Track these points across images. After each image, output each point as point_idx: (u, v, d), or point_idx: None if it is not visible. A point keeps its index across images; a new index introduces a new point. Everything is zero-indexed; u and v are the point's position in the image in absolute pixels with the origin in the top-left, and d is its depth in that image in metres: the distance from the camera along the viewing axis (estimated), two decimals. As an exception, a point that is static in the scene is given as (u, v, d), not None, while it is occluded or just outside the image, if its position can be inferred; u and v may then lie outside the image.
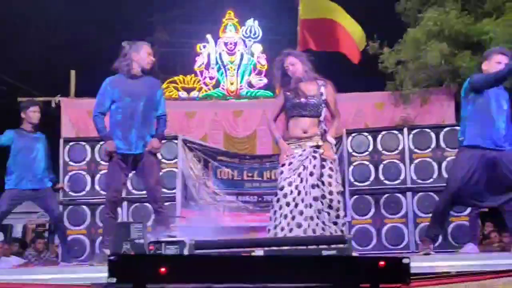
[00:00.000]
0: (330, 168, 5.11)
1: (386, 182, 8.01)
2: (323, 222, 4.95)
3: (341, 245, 3.91)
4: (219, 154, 9.16)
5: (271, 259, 2.36)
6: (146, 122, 5.46)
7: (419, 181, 7.91)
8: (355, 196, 8.01)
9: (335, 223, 5.02)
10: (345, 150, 8.18)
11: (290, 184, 5.03)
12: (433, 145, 7.99)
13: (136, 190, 7.87)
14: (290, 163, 5.10)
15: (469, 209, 6.87)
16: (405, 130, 8.16)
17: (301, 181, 5.02)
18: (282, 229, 4.95)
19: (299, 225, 4.91)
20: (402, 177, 7.97)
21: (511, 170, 5.14)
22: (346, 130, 8.33)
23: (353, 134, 8.24)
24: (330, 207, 5.01)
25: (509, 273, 4.07)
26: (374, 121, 9.77)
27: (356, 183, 8.05)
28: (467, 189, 5.21)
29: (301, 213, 4.94)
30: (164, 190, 7.97)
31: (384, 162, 8.07)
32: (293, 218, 4.94)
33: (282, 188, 5.06)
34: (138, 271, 1.89)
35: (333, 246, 3.93)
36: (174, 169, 8.17)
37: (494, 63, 5.33)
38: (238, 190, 9.06)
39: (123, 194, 7.78)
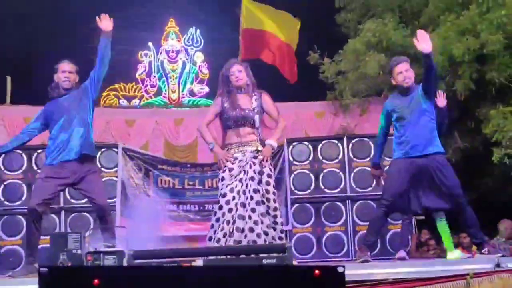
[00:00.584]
0: (269, 175, 5.19)
1: (326, 190, 8.12)
2: (267, 226, 5.00)
3: (282, 254, 3.93)
4: (160, 162, 9.07)
5: (209, 269, 2.35)
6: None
7: (358, 189, 8.05)
8: (296, 205, 8.07)
9: (274, 229, 5.08)
10: (286, 159, 8.24)
11: (232, 190, 5.07)
12: (372, 154, 8.12)
13: (74, 200, 7.72)
14: (231, 169, 5.14)
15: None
16: (345, 139, 8.29)
17: (242, 186, 5.06)
18: (224, 235, 4.96)
19: (241, 230, 4.94)
20: (342, 185, 8.09)
21: (439, 176, 5.30)
22: (286, 139, 8.40)
23: (293, 143, 8.32)
24: (268, 212, 5.07)
25: (443, 279, 4.17)
26: (314, 130, 9.88)
27: (296, 191, 8.12)
28: (400, 198, 5.35)
29: (242, 217, 4.98)
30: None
31: (325, 170, 8.17)
32: (234, 222, 4.96)
33: (224, 195, 5.08)
34: (71, 284, 1.85)
35: (273, 254, 3.94)
36: (113, 178, 8.06)
37: (397, 75, 5.51)
38: (179, 199, 8.99)
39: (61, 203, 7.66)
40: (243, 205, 5.01)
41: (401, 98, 5.52)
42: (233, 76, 5.35)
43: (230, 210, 5.01)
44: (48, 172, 5.25)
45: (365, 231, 6.49)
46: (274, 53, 10.02)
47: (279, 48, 10.06)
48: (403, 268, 4.65)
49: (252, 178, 5.08)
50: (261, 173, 5.13)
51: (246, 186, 5.06)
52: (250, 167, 5.12)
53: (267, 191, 5.12)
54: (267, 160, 5.19)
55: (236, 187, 5.07)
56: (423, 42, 5.18)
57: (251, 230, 4.95)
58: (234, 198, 5.04)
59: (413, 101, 5.43)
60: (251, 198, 5.03)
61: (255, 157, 5.16)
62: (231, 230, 4.96)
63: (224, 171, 5.17)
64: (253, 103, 5.32)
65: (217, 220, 5.07)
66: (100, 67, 5.40)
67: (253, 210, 5.00)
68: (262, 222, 4.99)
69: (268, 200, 5.10)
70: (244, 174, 5.10)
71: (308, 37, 10.46)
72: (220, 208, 5.06)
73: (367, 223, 7.65)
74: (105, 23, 5.47)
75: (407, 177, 5.32)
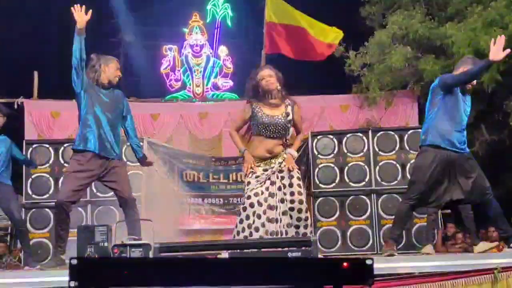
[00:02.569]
0: (298, 185, 5.11)
1: (351, 184, 8.08)
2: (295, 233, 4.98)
3: (307, 247, 3.93)
4: (185, 156, 9.12)
5: (235, 261, 2.36)
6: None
7: (384, 183, 8.00)
8: (320, 198, 8.05)
9: (305, 234, 5.01)
10: (310, 153, 8.22)
11: (256, 194, 5.02)
12: (397, 147, 8.08)
13: (100, 193, 7.80)
14: (257, 176, 5.08)
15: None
16: (370, 132, 8.24)
17: (269, 196, 5.02)
18: (245, 237, 4.96)
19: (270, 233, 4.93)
20: (367, 179, 8.05)
21: (466, 169, 5.26)
22: (311, 132, 8.39)
23: (318, 137, 8.29)
24: (298, 219, 5.01)
25: (470, 273, 4.14)
26: (339, 124, 9.84)
27: (321, 185, 8.10)
28: (428, 191, 5.30)
29: (263, 225, 4.95)
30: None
31: (349, 164, 8.14)
32: (257, 230, 4.95)
33: (249, 197, 5.04)
34: (100, 275, 1.87)
35: (298, 248, 3.94)
36: (139, 172, 8.11)
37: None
38: (204, 193, 9.03)
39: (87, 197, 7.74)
40: (265, 212, 4.97)
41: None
42: (264, 80, 5.22)
43: (254, 213, 4.98)
44: (76, 165, 5.30)
45: (390, 225, 6.46)
46: (298, 47, 9.95)
47: (309, 40, 9.95)
48: (429, 262, 4.62)
49: (279, 188, 5.05)
50: (290, 185, 5.07)
51: (274, 195, 5.02)
52: (277, 177, 5.08)
53: (300, 201, 5.03)
54: (293, 169, 5.12)
55: (262, 194, 5.02)
56: (499, 50, 5.03)
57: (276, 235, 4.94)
58: (259, 202, 4.99)
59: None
60: (279, 208, 5.01)
61: (282, 166, 5.10)
62: (251, 234, 4.95)
63: (250, 176, 5.11)
64: (285, 110, 5.21)
65: (241, 221, 5.05)
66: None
67: (278, 220, 4.99)
68: (286, 233, 4.97)
69: (300, 211, 5.02)
70: (271, 184, 5.06)
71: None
72: (244, 209, 5.04)
73: (392, 217, 7.61)
74: (79, 16, 5.15)
75: (434, 170, 5.26)
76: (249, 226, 4.97)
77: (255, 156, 5.18)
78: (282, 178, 5.08)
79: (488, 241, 6.52)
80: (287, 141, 5.27)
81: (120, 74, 5.51)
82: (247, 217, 4.99)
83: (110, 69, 5.42)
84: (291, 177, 5.10)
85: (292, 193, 5.04)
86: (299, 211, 5.01)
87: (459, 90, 5.33)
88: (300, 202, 5.02)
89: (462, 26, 8.64)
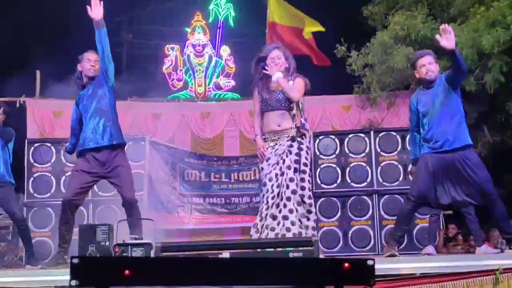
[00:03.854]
0: (305, 163, 5.20)
1: (353, 184, 8.09)
2: (301, 215, 5.06)
3: (308, 247, 3.92)
4: (187, 156, 9.12)
5: (236, 261, 2.35)
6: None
7: (385, 183, 8.00)
8: (322, 199, 8.06)
9: (307, 218, 5.13)
10: (312, 153, 8.22)
11: (270, 179, 5.14)
12: (399, 148, 8.08)
13: (102, 192, 7.80)
14: (268, 159, 5.19)
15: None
16: (372, 133, 8.24)
17: (279, 175, 5.12)
18: (261, 219, 5.04)
19: (274, 217, 5.01)
20: (368, 179, 8.05)
21: (468, 170, 5.22)
22: (313, 132, 8.38)
23: (320, 137, 8.30)
24: (303, 201, 5.11)
25: (471, 274, 4.14)
26: (341, 124, 9.84)
27: (323, 185, 8.11)
28: (428, 193, 5.28)
29: (277, 205, 5.04)
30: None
31: (351, 164, 8.15)
32: (269, 208, 5.03)
33: (265, 184, 5.19)
34: (101, 274, 1.87)
35: (300, 248, 3.94)
36: (141, 171, 8.12)
37: (420, 68, 5.41)
38: (206, 192, 9.04)
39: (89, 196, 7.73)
40: (279, 194, 5.08)
41: (426, 92, 5.43)
42: (273, 62, 5.32)
43: (272, 197, 5.08)
44: (80, 164, 5.32)
45: (392, 225, 6.46)
46: (299, 48, 9.97)
47: (303, 41, 10.01)
48: (431, 263, 4.62)
49: (289, 167, 5.12)
50: (297, 162, 5.15)
51: (282, 174, 5.11)
52: (287, 155, 5.16)
53: (303, 180, 5.15)
54: (306, 158, 5.20)
55: (275, 176, 5.13)
56: (446, 38, 5.01)
57: (285, 218, 5.00)
58: (273, 186, 5.11)
59: (437, 94, 5.33)
60: (287, 187, 5.08)
61: (291, 146, 5.17)
62: (265, 215, 5.04)
63: (262, 162, 5.24)
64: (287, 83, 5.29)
65: (261, 209, 5.17)
66: (104, 61, 5.39)
67: (288, 199, 5.05)
68: (297, 211, 5.04)
69: (303, 188, 5.14)
70: (281, 163, 5.15)
71: (335, 30, 10.41)
72: (263, 196, 5.17)
73: (394, 217, 7.63)
74: (96, 10, 5.31)
75: (434, 172, 5.25)
76: (267, 209, 5.06)
77: (267, 132, 5.28)
78: (291, 160, 5.13)
79: (490, 243, 6.52)
80: (296, 119, 5.28)
81: (92, 64, 5.46)
82: (266, 203, 5.09)
83: (83, 65, 5.48)
84: (298, 162, 5.14)
85: (300, 178, 5.13)
86: (303, 188, 5.12)
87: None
88: (304, 181, 5.14)
89: (464, 27, 8.62)
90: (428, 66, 5.37)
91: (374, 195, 7.99)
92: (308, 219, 5.13)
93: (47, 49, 12.59)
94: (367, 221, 7.98)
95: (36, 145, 8.11)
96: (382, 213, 7.94)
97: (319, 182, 8.12)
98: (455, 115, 5.30)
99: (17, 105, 9.58)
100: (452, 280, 4.09)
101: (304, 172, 5.18)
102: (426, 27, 9.37)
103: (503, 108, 9.35)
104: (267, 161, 5.20)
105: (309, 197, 5.18)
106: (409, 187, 6.81)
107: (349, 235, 7.97)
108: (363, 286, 2.02)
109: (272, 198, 5.07)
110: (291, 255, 3.87)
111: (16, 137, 7.08)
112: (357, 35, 10.25)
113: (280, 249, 4.02)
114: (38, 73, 9.88)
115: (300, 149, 5.19)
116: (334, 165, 8.17)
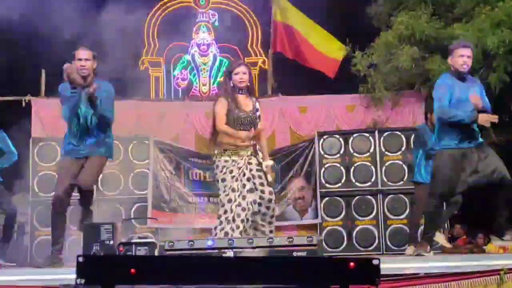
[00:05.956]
0: (262, 175, 5.34)
1: (357, 184, 8.09)
2: (261, 225, 5.30)
3: (312, 247, 3.93)
4: (191, 155, 9.11)
5: (241, 260, 2.36)
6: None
7: (390, 183, 8.00)
8: (326, 198, 8.06)
9: (270, 223, 5.33)
10: (317, 152, 8.22)
11: (233, 190, 5.22)
12: (404, 147, 8.08)
13: (106, 191, 7.81)
14: (231, 171, 5.27)
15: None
16: (376, 132, 8.23)
17: (242, 187, 5.25)
18: (226, 234, 5.11)
19: (237, 227, 5.14)
20: (373, 179, 8.06)
21: (483, 165, 5.27)
22: (317, 132, 8.39)
23: (324, 136, 8.30)
24: (267, 208, 5.29)
25: (475, 274, 4.13)
26: (346, 124, 9.81)
27: (327, 184, 8.11)
28: (454, 187, 5.33)
29: (238, 215, 5.17)
30: (136, 191, 7.94)
31: (355, 164, 8.15)
32: (233, 221, 5.15)
33: (227, 195, 5.24)
34: (107, 272, 1.87)
35: (303, 248, 3.94)
36: (145, 170, 8.13)
37: (457, 57, 5.45)
38: (210, 191, 9.02)
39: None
40: (239, 204, 5.19)
41: (458, 82, 5.45)
42: (238, 76, 5.38)
43: (231, 209, 5.18)
44: (65, 161, 5.35)
45: (397, 225, 6.47)
46: (304, 53, 9.96)
47: (310, 50, 10.01)
48: (435, 263, 4.62)
49: (248, 179, 5.28)
50: (260, 177, 5.31)
51: (243, 186, 5.24)
52: (247, 168, 5.30)
53: (264, 192, 5.31)
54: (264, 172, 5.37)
55: (237, 188, 5.23)
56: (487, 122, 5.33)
57: (243, 227, 5.17)
58: (235, 198, 5.20)
59: (473, 89, 5.40)
60: (247, 197, 5.21)
61: (251, 159, 5.31)
62: (231, 228, 5.14)
63: (225, 174, 5.27)
64: (255, 105, 5.47)
65: (219, 217, 5.25)
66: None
67: (248, 209, 5.20)
68: (253, 221, 5.27)
69: (265, 195, 5.29)
70: (243, 176, 5.27)
71: (340, 30, 10.39)
72: (223, 206, 5.24)
73: (398, 217, 7.66)
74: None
75: (455, 172, 5.30)
76: (228, 222, 5.16)
77: (229, 144, 5.34)
78: (250, 170, 5.31)
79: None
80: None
81: (83, 63, 5.31)
82: (225, 212, 5.21)
83: (73, 66, 5.32)
84: (260, 177, 5.32)
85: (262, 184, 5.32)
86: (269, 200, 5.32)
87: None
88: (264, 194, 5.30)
89: (469, 27, 8.59)
90: (466, 59, 5.45)
91: (378, 195, 7.99)
92: (271, 223, 5.34)
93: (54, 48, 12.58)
94: (372, 221, 7.98)
95: (41, 144, 8.12)
96: (387, 212, 7.94)
97: (323, 181, 8.12)
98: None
99: (23, 104, 9.60)
100: (456, 280, 4.09)
101: (262, 184, 5.32)
102: (431, 26, 9.36)
103: (507, 107, 9.32)
104: (230, 173, 5.28)
105: (273, 210, 5.37)
106: (413, 187, 6.85)
107: (353, 234, 7.97)
108: (368, 286, 2.03)
109: (231, 211, 5.17)
110: (295, 254, 3.88)
111: (21, 136, 7.11)
112: (362, 35, 10.24)
113: (284, 248, 4.03)
114: (43, 72, 9.89)
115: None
116: (338, 165, 8.18)
